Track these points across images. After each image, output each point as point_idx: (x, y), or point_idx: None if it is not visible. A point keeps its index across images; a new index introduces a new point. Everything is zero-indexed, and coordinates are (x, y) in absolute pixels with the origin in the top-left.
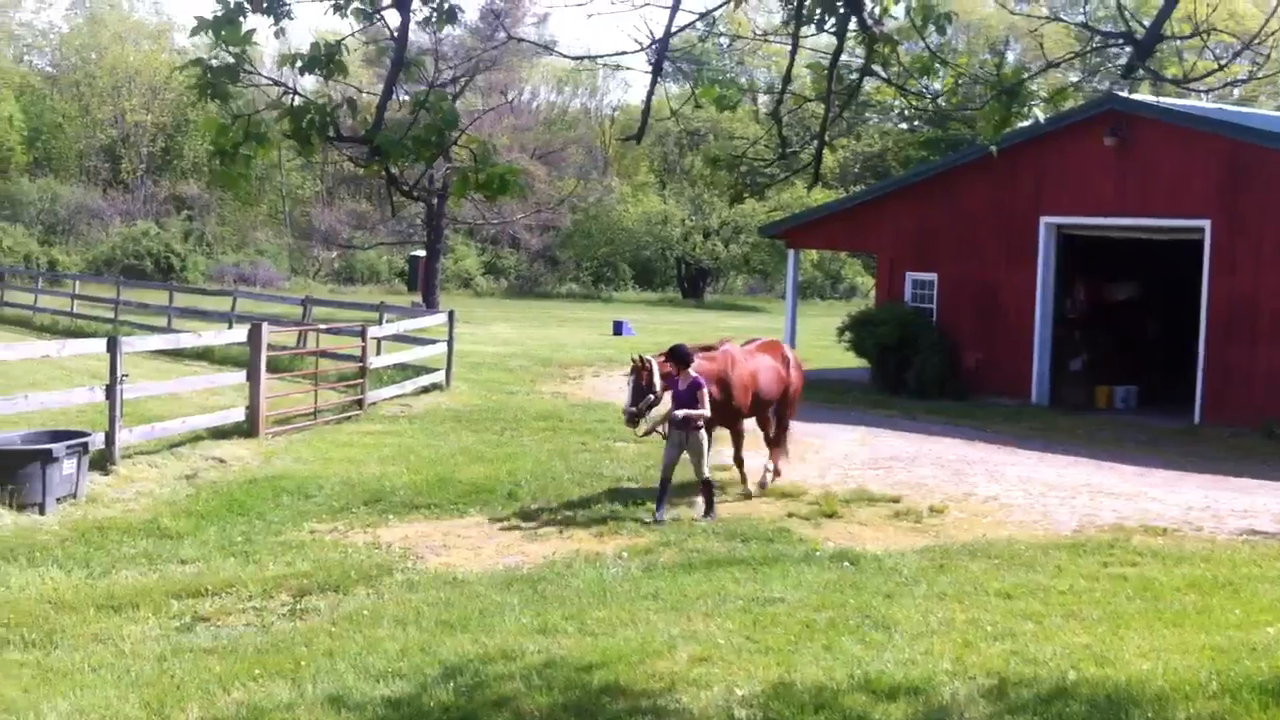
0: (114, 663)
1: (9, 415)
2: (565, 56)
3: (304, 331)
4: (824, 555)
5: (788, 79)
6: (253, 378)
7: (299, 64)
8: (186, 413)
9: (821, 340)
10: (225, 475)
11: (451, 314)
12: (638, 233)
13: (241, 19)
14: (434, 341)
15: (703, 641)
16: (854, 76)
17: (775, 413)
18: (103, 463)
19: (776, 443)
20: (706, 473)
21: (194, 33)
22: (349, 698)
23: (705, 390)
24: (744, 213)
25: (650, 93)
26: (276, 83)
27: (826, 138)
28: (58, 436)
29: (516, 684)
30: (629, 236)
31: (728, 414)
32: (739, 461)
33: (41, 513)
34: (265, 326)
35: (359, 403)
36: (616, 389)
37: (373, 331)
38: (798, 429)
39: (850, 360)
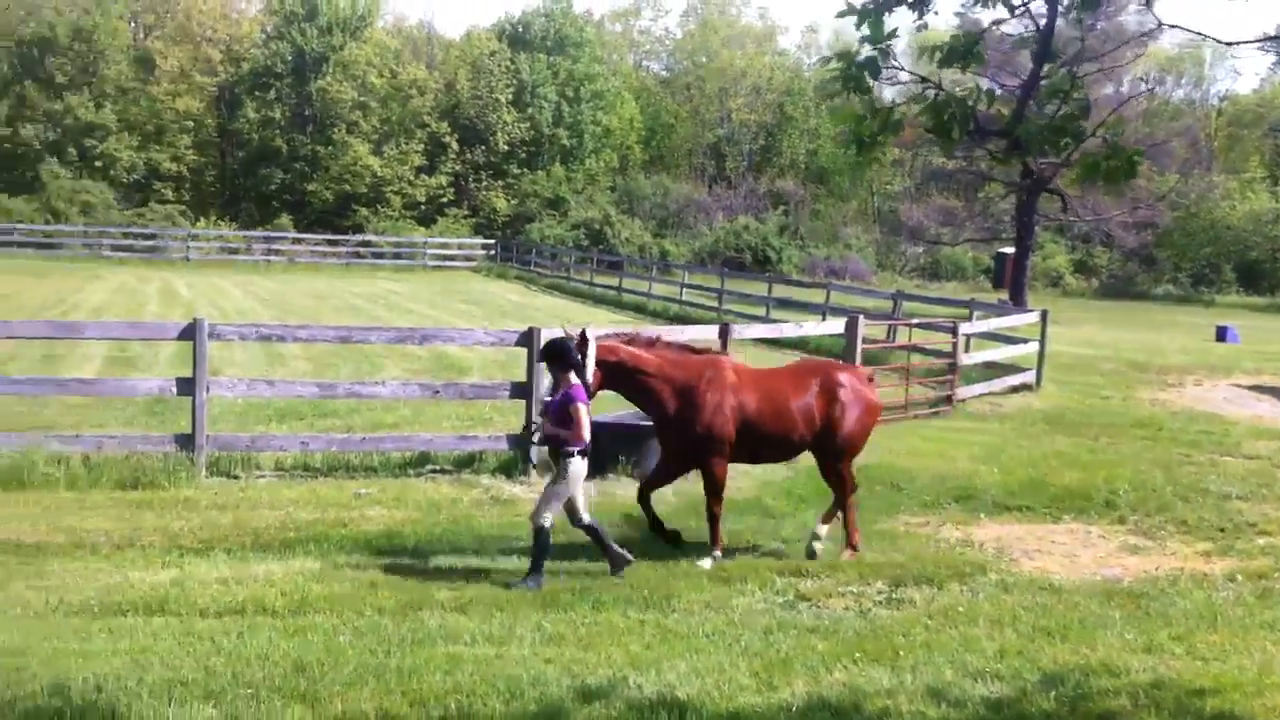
0: (725, 630)
1: None
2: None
3: (894, 325)
4: None
5: None
6: None
7: (938, 56)
8: None
9: None
10: None
11: (1045, 313)
12: (1245, 232)
13: (888, 14)
14: (1024, 341)
15: None
16: None
17: (829, 467)
18: None
19: (835, 505)
20: (545, 519)
21: (839, 15)
22: (948, 693)
23: (581, 407)
24: None
25: None
26: (923, 79)
27: None
28: None
29: (1122, 701)
30: (1234, 236)
31: (689, 445)
32: (712, 520)
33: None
34: (861, 319)
35: (948, 399)
36: (1222, 398)
37: (964, 328)
38: None
39: None
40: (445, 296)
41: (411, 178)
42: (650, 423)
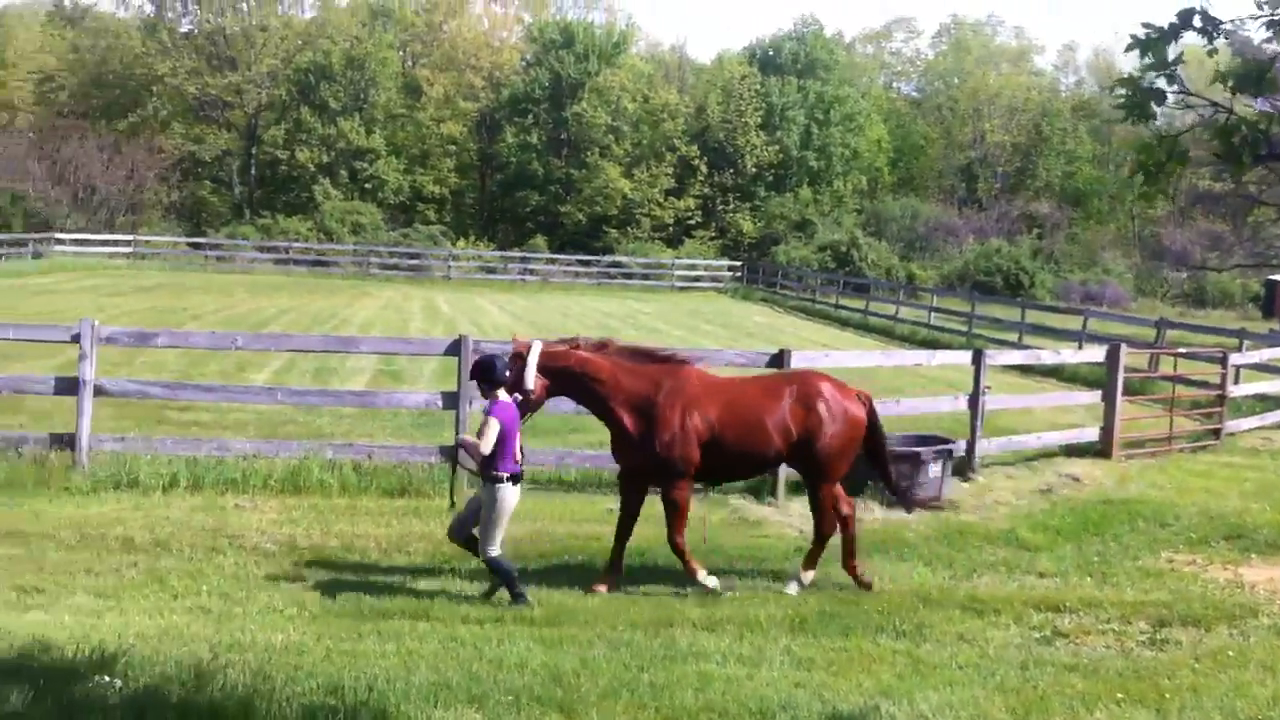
0: (978, 663)
1: (881, 417)
2: None
3: (1156, 354)
4: None
5: None
6: (1108, 398)
7: (1229, 81)
8: (1038, 428)
9: None
10: (1079, 493)
11: None
12: None
13: (1174, 41)
14: None
15: None
16: None
17: (810, 488)
18: (962, 469)
19: (816, 543)
20: (491, 549)
21: (1128, 49)
22: None
23: (492, 420)
24: None
25: None
26: (1214, 104)
27: None
28: (924, 441)
29: None
30: None
31: (647, 465)
32: (676, 553)
33: (908, 511)
34: (1123, 347)
35: (1215, 432)
36: None
37: (1234, 359)
38: None
39: None
40: (691, 317)
41: (660, 200)
42: (907, 448)
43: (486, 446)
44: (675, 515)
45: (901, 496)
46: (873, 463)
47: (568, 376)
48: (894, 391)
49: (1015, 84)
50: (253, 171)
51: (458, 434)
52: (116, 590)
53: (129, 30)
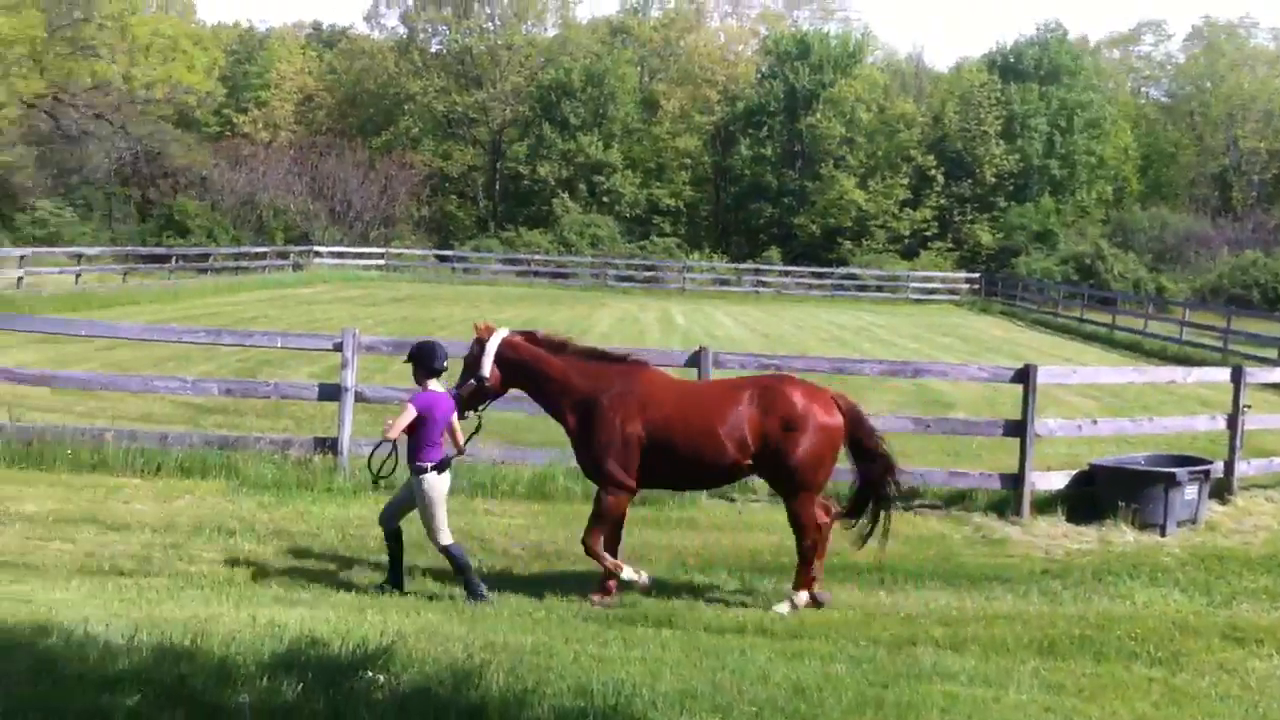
0: (1240, 695)
1: (1133, 436)
2: None
3: None
4: None
5: None
6: None
7: None
8: None
9: None
10: None
11: None
12: None
13: None
14: None
15: None
16: None
17: (784, 499)
18: (1220, 492)
19: (798, 549)
20: (440, 538)
21: None
22: None
23: (410, 406)
24: None
25: None
26: None
27: None
28: (1178, 461)
29: None
30: None
31: (583, 462)
32: (590, 553)
33: (1162, 534)
34: None
35: None
36: None
37: None
38: None
39: None
40: (928, 330)
41: (896, 211)
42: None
43: (393, 432)
44: (596, 516)
45: (878, 513)
46: (860, 475)
47: (522, 369)
48: (1146, 409)
49: (1272, 88)
50: (496, 186)
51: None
52: (376, 588)
53: (382, 51)
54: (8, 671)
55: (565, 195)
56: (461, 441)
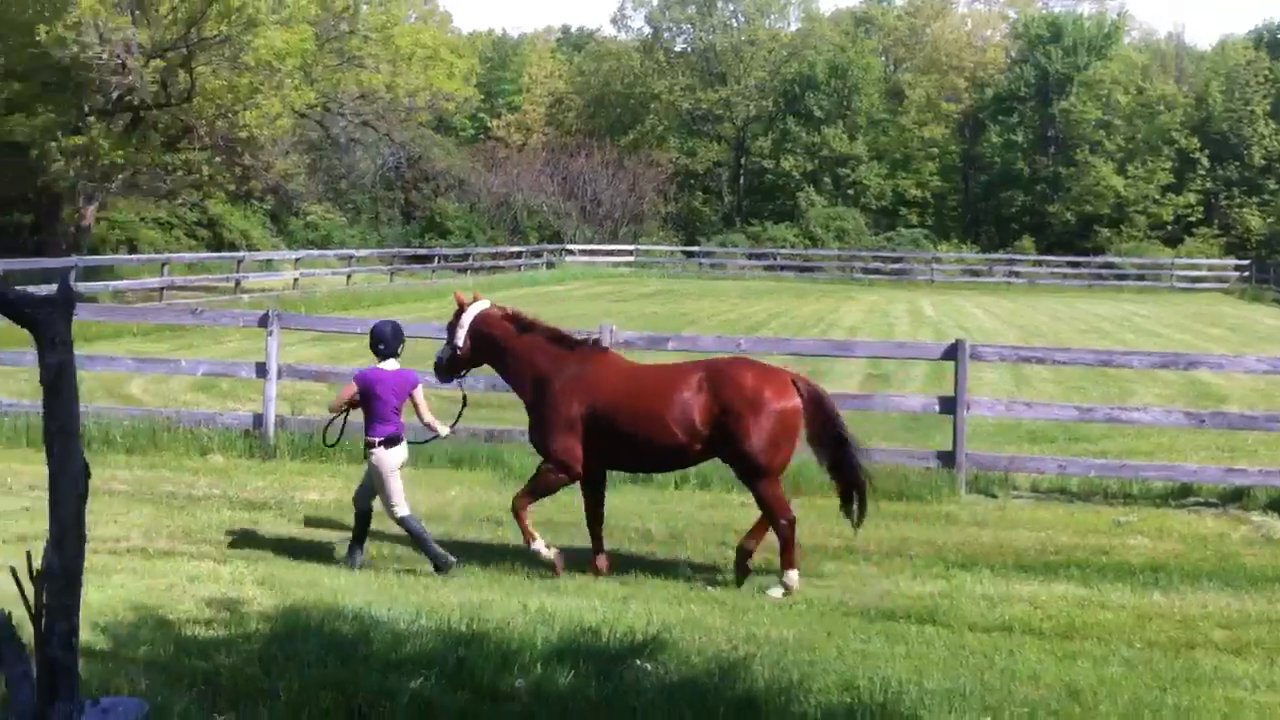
0: None
1: None
2: None
3: None
4: None
5: None
6: None
7: None
8: None
9: None
10: None
11: None
12: None
13: None
14: None
15: None
16: None
17: (746, 483)
18: None
19: (779, 538)
20: (396, 510)
21: None
22: None
23: (350, 385)
24: None
25: None
26: None
27: None
28: None
29: None
30: None
31: (532, 438)
32: (513, 507)
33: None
34: None
35: None
36: None
37: None
38: None
39: None
40: (1193, 320)
41: (1157, 197)
42: None
43: (333, 405)
44: (533, 484)
45: (860, 501)
46: (825, 459)
47: (491, 344)
48: None
49: None
50: (741, 181)
51: (955, 439)
52: (638, 578)
53: (629, 52)
54: (301, 652)
55: (810, 188)
56: (430, 418)
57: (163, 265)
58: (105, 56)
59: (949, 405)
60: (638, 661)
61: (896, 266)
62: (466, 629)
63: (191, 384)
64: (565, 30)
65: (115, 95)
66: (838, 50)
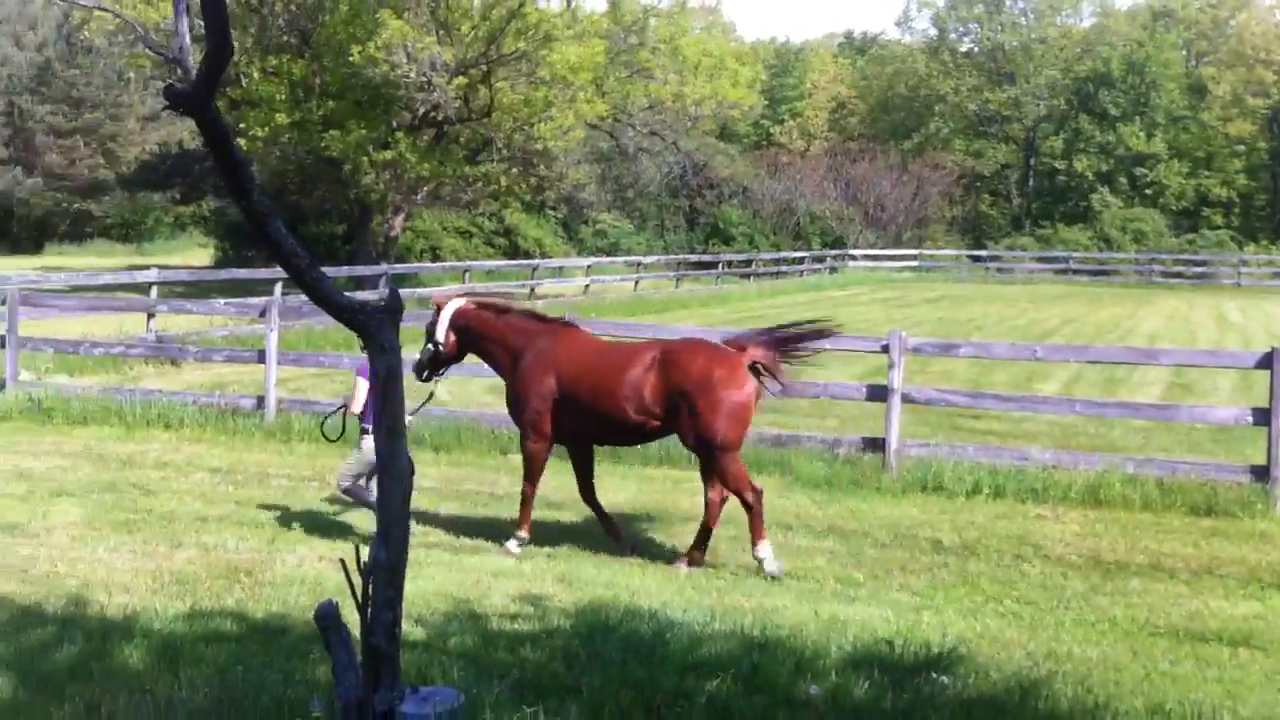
0: None
1: None
2: None
3: None
4: None
5: None
6: None
7: None
8: None
9: None
10: None
11: None
12: None
13: None
14: None
15: None
16: None
17: (701, 462)
18: None
19: (750, 514)
20: (345, 482)
21: None
22: None
23: (359, 379)
24: None
25: None
26: None
27: None
28: None
29: None
30: None
31: (512, 413)
32: (522, 499)
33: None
34: None
35: None
36: None
37: None
38: None
39: None
40: None
41: None
42: None
43: (355, 406)
44: (526, 465)
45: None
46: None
47: (472, 334)
48: None
49: None
50: (1030, 183)
51: (1270, 453)
52: (930, 589)
53: (913, 54)
54: (602, 651)
55: (1105, 189)
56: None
57: (464, 273)
58: (412, 75)
59: (1263, 417)
60: (934, 674)
61: (1200, 270)
62: (760, 634)
63: (488, 386)
64: (848, 35)
65: (421, 111)
66: (1134, 45)
